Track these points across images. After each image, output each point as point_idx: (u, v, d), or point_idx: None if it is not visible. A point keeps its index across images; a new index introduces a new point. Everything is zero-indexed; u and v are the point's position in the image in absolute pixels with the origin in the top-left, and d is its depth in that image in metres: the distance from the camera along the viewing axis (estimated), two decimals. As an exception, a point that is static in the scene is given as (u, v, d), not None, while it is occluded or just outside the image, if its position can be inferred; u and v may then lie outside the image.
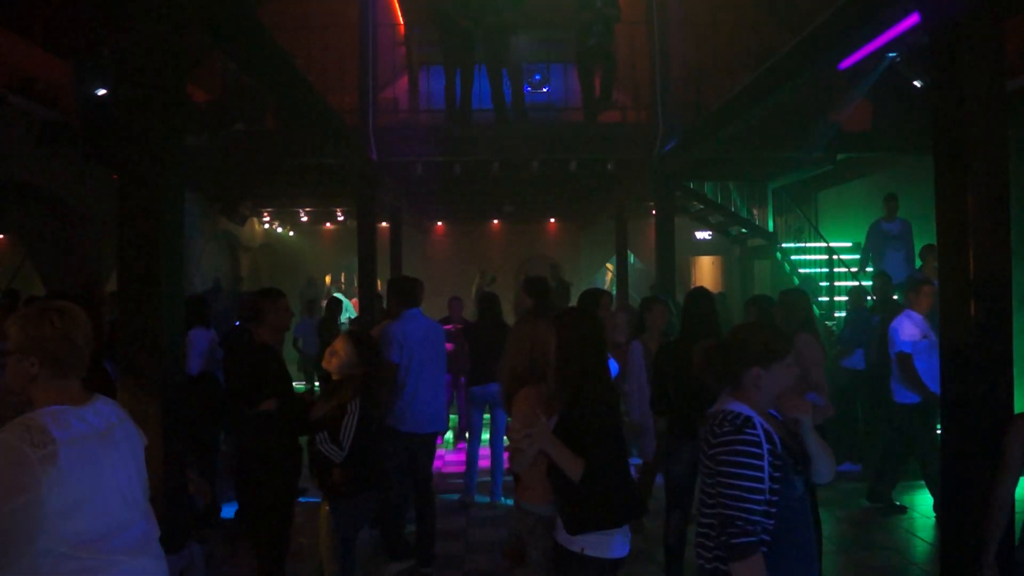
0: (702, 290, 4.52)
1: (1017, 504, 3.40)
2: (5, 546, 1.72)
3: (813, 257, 11.10)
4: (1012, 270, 3.31)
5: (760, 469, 2.13)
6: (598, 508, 2.74)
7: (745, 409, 2.28)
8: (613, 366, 5.03)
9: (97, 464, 1.87)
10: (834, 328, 8.73)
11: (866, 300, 7.66)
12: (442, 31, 8.35)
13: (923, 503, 6.12)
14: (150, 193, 3.21)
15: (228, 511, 5.76)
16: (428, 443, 4.98)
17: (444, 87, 8.47)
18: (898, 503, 5.98)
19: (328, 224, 16.12)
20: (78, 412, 1.89)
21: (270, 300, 4.14)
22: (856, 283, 8.69)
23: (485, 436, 6.65)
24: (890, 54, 7.07)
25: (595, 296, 5.50)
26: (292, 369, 5.10)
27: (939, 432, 3.98)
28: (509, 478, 5.98)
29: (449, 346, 6.15)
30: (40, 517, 1.75)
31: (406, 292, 5.14)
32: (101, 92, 7.55)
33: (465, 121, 8.37)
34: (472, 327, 6.79)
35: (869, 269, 8.87)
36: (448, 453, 8.11)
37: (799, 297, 4.81)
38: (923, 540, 5.30)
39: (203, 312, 5.89)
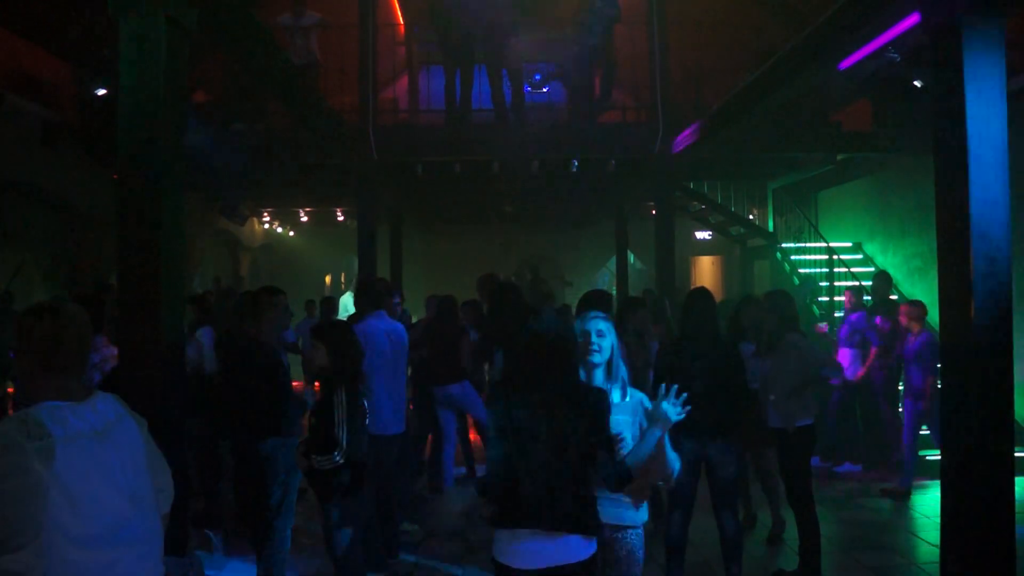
0: (702, 290, 4.52)
1: (1017, 504, 3.41)
2: (17, 525, 1.73)
3: (813, 257, 11.10)
4: (1012, 270, 3.31)
5: None
6: None
7: None
8: None
9: (95, 463, 1.88)
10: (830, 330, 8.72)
11: (864, 300, 7.65)
12: (442, 31, 8.35)
13: (923, 503, 6.12)
14: (150, 193, 3.21)
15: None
16: (390, 445, 4.86)
17: (444, 87, 8.46)
18: None
19: (328, 224, 16.12)
20: (76, 409, 1.90)
21: (269, 297, 4.15)
22: (855, 283, 8.69)
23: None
24: (890, 54, 7.07)
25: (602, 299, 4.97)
26: (293, 368, 5.11)
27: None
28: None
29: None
30: (45, 504, 1.75)
31: (368, 294, 5.08)
32: (101, 92, 7.55)
33: (465, 121, 8.37)
34: (429, 327, 6.57)
35: None
36: None
37: (785, 298, 4.82)
38: (923, 540, 5.30)
39: (208, 310, 5.90)
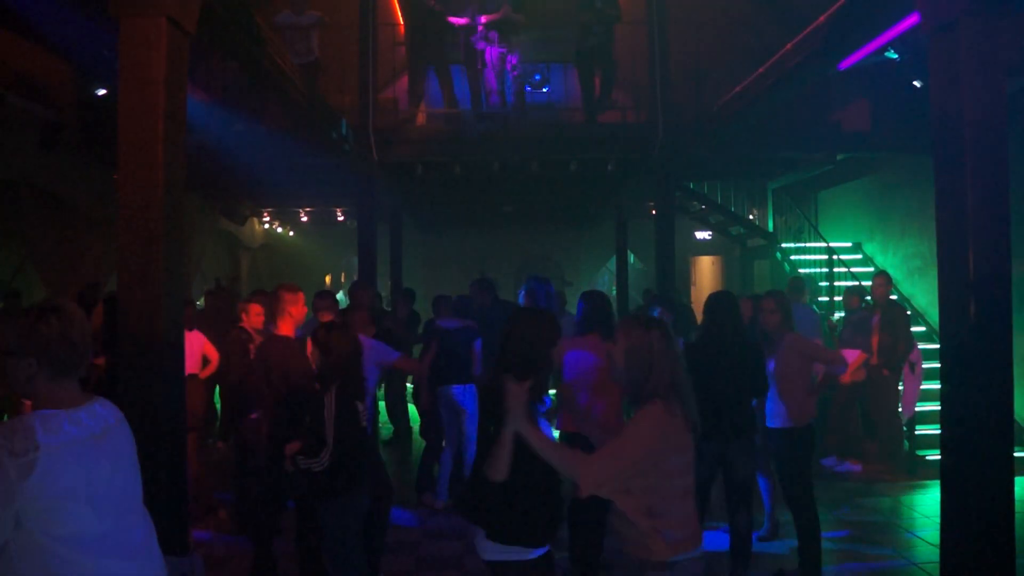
0: (726, 292, 4.59)
1: (1017, 504, 3.41)
2: None
3: (813, 257, 11.10)
4: (1012, 270, 3.31)
5: None
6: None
7: None
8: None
9: (90, 467, 1.87)
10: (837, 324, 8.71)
11: (865, 300, 7.65)
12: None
13: (923, 503, 6.12)
14: (150, 193, 3.21)
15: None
16: None
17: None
18: None
19: (328, 224, 16.13)
20: (72, 415, 1.89)
21: (292, 294, 4.25)
22: (855, 283, 8.69)
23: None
24: (890, 54, 7.08)
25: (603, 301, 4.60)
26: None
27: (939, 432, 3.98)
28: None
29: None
30: (19, 519, 1.76)
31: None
32: (101, 92, 7.55)
33: (450, 120, 8.43)
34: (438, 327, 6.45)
35: None
36: None
37: (784, 298, 4.84)
38: (923, 540, 5.30)
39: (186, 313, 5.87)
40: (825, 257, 10.47)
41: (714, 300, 4.42)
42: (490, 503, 2.59)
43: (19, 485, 1.74)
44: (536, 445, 2.41)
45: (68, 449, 1.83)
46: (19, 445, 1.76)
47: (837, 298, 9.88)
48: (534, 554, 2.61)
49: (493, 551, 2.61)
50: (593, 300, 4.47)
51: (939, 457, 3.62)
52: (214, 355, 6.17)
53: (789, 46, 5.51)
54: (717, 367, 4.11)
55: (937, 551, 3.82)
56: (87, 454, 1.87)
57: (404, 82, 10.69)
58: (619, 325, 2.66)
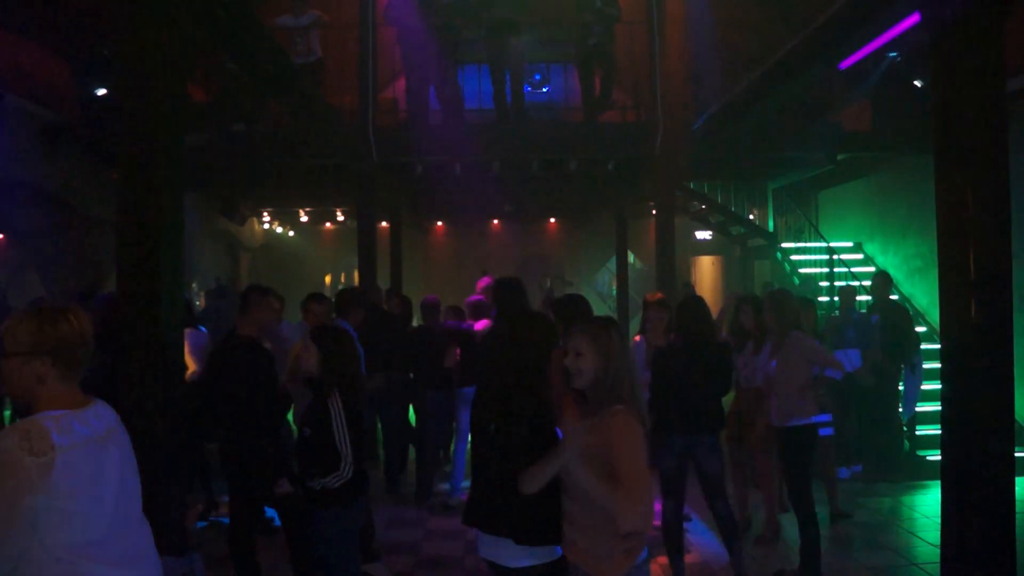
0: (696, 296, 4.83)
1: (1017, 504, 3.41)
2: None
3: (813, 257, 11.10)
4: (1012, 270, 3.31)
5: None
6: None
7: None
8: None
9: (97, 468, 1.85)
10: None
11: (856, 300, 7.62)
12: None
13: (923, 503, 6.12)
14: (150, 193, 3.21)
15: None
16: None
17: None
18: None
19: (328, 224, 16.11)
20: (80, 415, 1.87)
21: (258, 294, 4.05)
22: (854, 282, 8.68)
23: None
24: (890, 54, 7.08)
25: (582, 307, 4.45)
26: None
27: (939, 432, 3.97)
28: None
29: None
30: (35, 522, 1.74)
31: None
32: (101, 92, 7.55)
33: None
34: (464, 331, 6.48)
35: None
36: None
37: (787, 297, 4.87)
38: (923, 540, 5.30)
39: (188, 312, 5.84)
40: (826, 257, 10.47)
41: (684, 306, 4.62)
42: (520, 508, 2.45)
43: (41, 484, 1.72)
44: (585, 482, 2.22)
45: (78, 450, 1.81)
46: (37, 445, 1.73)
47: (837, 298, 9.88)
48: (560, 551, 2.53)
49: (525, 555, 2.49)
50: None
51: (939, 457, 3.62)
52: None
53: (789, 46, 5.51)
54: (687, 369, 4.32)
55: (937, 551, 3.82)
56: (95, 455, 1.86)
57: (403, 82, 10.70)
58: (581, 328, 2.48)
